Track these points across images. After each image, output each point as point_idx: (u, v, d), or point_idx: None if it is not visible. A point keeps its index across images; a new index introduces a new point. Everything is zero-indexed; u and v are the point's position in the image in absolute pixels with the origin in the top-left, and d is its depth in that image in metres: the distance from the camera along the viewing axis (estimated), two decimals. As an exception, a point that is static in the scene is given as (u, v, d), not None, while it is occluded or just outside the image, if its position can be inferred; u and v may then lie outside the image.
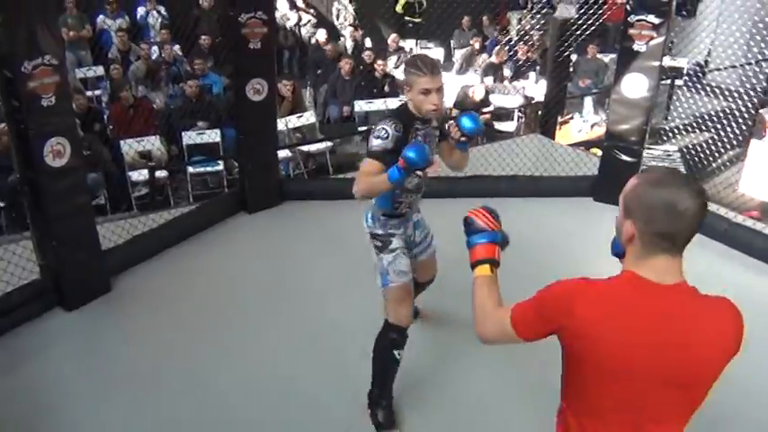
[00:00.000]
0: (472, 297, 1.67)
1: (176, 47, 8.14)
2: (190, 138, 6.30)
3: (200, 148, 6.36)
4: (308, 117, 6.97)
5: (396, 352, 2.80)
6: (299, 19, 9.78)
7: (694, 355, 1.39)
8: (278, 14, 9.19)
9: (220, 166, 6.28)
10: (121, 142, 6.08)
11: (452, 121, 2.68)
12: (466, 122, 2.60)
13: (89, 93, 7.25)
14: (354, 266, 3.82)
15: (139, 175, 5.90)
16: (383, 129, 2.51)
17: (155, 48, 8.33)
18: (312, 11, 10.04)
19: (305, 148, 6.73)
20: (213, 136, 6.37)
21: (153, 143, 6.23)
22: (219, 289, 4.06)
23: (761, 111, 6.14)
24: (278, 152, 5.35)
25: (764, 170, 5.67)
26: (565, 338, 1.48)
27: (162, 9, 8.93)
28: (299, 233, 4.76)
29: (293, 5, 9.80)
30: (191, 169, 6.19)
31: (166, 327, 3.68)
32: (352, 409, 3.00)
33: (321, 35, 8.88)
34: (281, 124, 6.23)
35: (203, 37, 8.23)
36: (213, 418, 3.04)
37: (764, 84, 6.70)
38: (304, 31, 9.76)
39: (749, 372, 2.48)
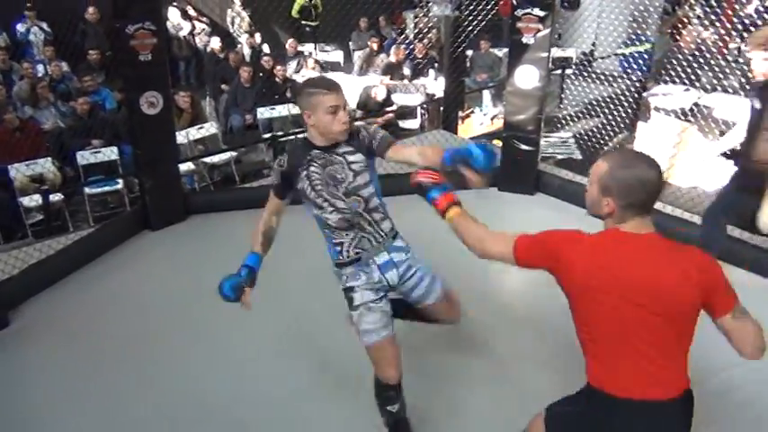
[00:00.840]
0: (460, 231, 2.05)
1: (63, 63, 7.77)
2: (84, 157, 6.03)
3: (97, 167, 6.09)
4: (209, 128, 6.80)
5: (389, 408, 2.61)
6: (193, 28, 9.54)
7: (665, 285, 1.70)
8: (170, 24, 8.95)
9: (119, 185, 6.02)
10: (9, 167, 5.73)
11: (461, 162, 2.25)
12: (478, 156, 2.20)
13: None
14: (267, 278, 3.75)
15: (31, 200, 5.57)
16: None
17: (39, 66, 7.92)
18: (205, 19, 9.81)
19: (208, 159, 6.57)
20: (109, 154, 6.12)
21: (44, 165, 5.91)
22: (127, 313, 3.90)
23: (644, 94, 6.51)
24: (180, 165, 5.20)
25: (652, 150, 6.00)
26: (558, 275, 1.81)
27: (44, 25, 8.51)
28: (207, 247, 4.63)
29: (185, 14, 9.55)
30: (88, 190, 5.91)
31: (73, 358, 3.49)
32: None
33: (215, 43, 8.71)
34: (181, 137, 6.06)
35: (91, 51, 7.89)
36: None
37: (645, 69, 7.10)
38: (198, 41, 9.54)
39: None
